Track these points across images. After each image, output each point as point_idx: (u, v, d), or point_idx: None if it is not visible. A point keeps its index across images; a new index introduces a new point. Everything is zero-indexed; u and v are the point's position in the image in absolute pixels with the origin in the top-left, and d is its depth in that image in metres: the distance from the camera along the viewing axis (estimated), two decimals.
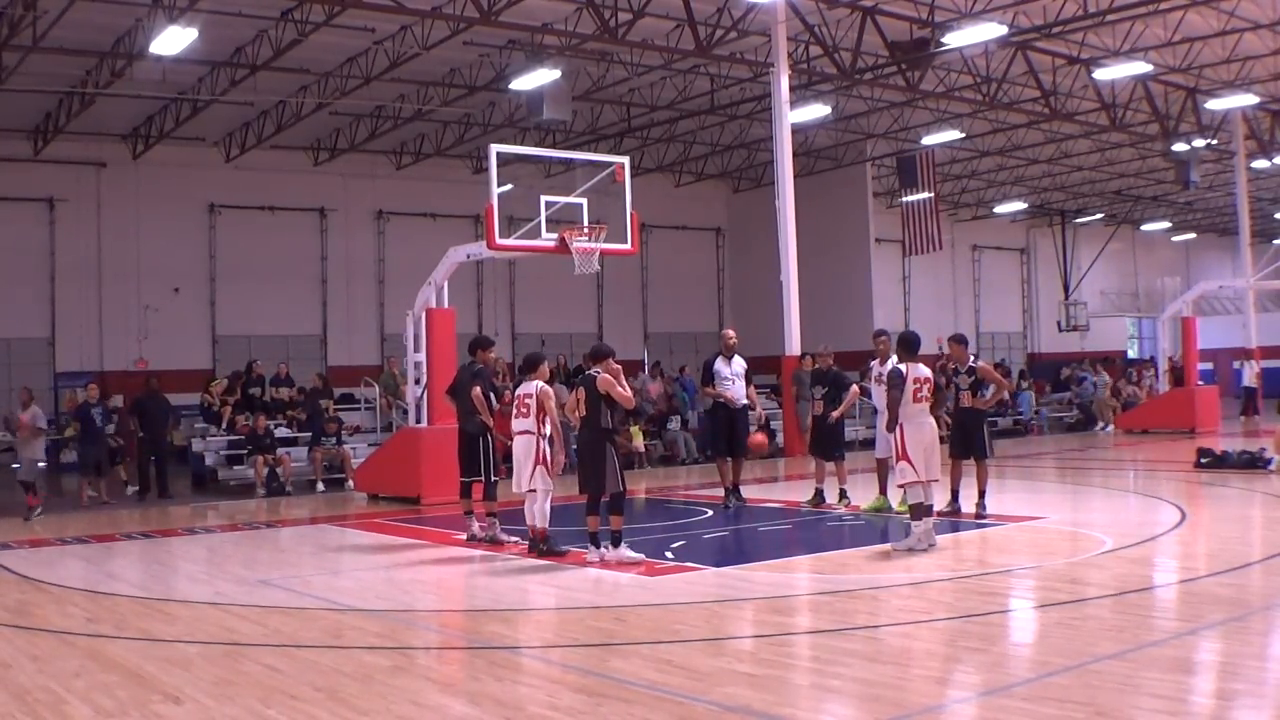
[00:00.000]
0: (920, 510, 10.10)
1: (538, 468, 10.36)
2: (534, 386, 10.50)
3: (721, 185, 34.98)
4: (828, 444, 13.72)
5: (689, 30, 19.94)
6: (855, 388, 13.89)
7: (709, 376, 14.08)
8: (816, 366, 14.70)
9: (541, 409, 10.38)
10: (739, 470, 14.36)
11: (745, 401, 14.06)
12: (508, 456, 11.47)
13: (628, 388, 10.35)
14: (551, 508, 10.61)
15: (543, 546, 10.47)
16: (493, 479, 11.71)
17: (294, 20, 18.86)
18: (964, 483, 12.44)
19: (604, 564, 9.82)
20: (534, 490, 10.43)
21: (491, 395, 11.75)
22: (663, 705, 5.70)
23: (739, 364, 14.01)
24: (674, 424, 22.52)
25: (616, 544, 9.92)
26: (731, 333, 14.40)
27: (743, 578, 9.52)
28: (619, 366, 10.36)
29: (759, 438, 14.02)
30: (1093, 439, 25.41)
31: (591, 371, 10.22)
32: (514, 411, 10.62)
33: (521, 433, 10.48)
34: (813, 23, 20.46)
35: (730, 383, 13.88)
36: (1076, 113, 25.92)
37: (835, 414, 13.47)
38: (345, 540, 12.67)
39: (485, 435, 11.63)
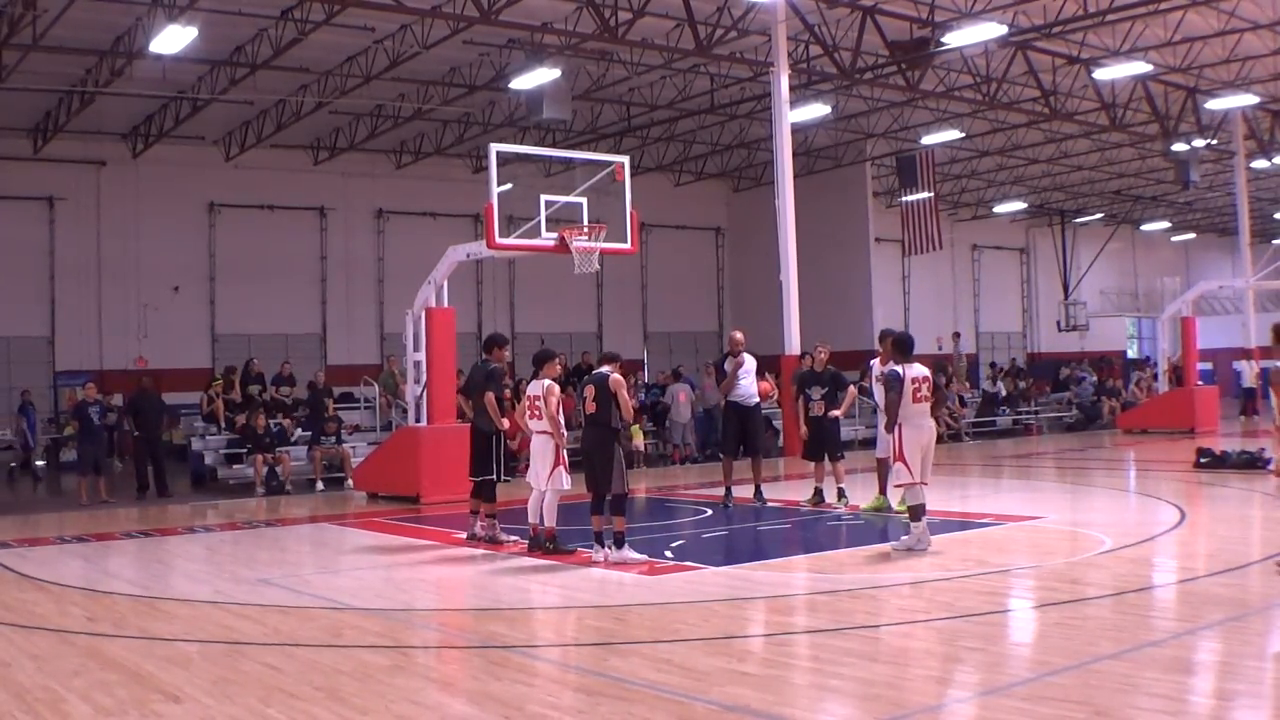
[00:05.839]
0: (919, 511, 10.10)
1: (557, 469, 10.34)
2: (542, 385, 10.50)
3: (721, 185, 34.96)
4: (828, 445, 13.71)
5: (689, 30, 19.93)
6: (853, 388, 13.85)
7: (723, 376, 14.06)
8: (810, 368, 14.58)
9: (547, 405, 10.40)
10: (759, 470, 14.40)
11: (757, 399, 14.09)
12: (516, 456, 11.42)
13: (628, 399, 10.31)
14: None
15: (549, 545, 10.47)
16: (500, 479, 11.68)
17: (294, 19, 18.86)
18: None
19: (607, 564, 9.82)
20: (545, 489, 10.44)
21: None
22: (662, 704, 5.70)
23: (749, 361, 14.04)
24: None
25: (619, 545, 9.91)
26: (739, 335, 14.40)
27: (742, 577, 9.52)
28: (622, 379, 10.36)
29: (763, 386, 14.16)
30: (1094, 438, 25.39)
31: (603, 369, 10.19)
32: (528, 412, 10.61)
33: (540, 432, 10.48)
34: (813, 22, 20.45)
35: (741, 381, 13.90)
36: (1076, 113, 25.91)
37: (835, 412, 13.46)
38: (345, 539, 12.67)
39: (498, 434, 11.58)
